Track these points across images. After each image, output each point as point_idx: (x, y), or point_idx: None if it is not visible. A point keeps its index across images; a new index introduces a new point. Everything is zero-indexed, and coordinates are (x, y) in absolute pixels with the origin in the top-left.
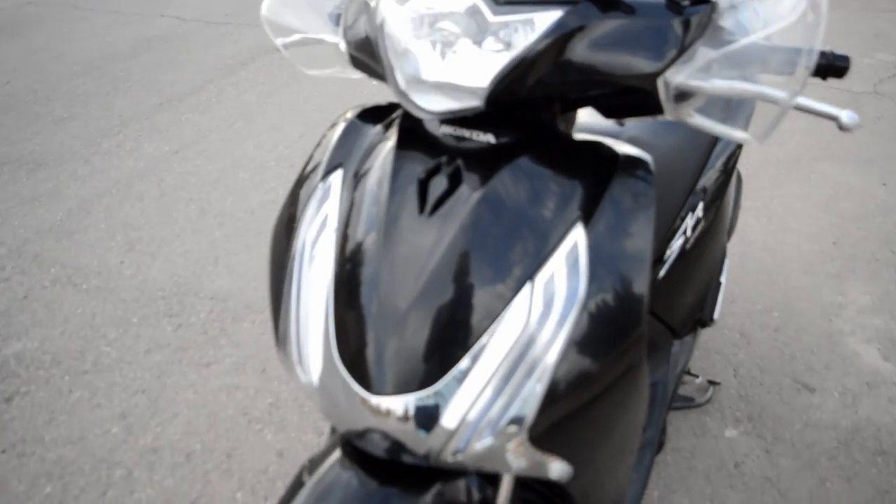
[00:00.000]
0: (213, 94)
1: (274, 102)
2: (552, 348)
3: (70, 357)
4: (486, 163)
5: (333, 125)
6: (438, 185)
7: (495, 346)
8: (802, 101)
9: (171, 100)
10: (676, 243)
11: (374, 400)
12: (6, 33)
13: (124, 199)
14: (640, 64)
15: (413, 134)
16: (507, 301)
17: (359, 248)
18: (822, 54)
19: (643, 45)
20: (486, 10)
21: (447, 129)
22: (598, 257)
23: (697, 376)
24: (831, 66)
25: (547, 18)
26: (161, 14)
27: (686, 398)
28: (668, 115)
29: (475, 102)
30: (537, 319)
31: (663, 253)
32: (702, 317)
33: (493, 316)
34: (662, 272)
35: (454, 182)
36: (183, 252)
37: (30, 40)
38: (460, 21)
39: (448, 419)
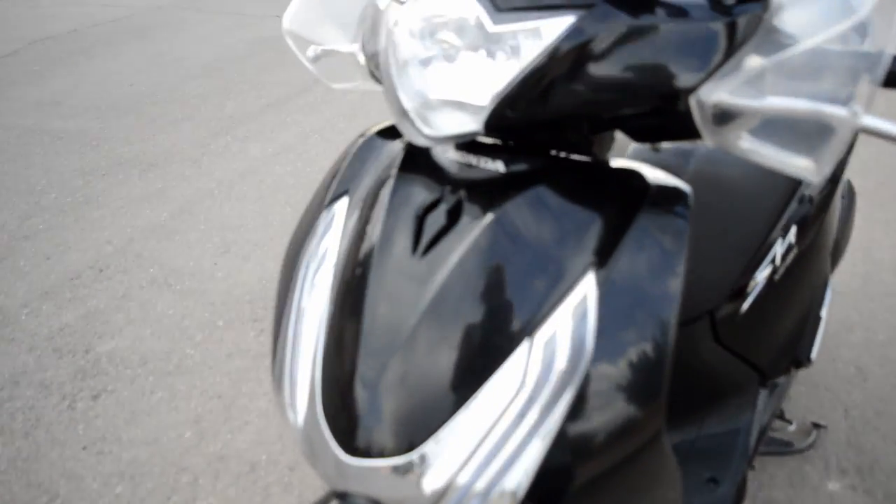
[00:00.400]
0: (319, 94)
1: (377, 102)
2: (550, 417)
3: (157, 358)
4: (491, 196)
5: (353, 142)
6: (435, 221)
7: (484, 412)
8: (869, 120)
9: (278, 101)
10: (762, 274)
11: (352, 462)
12: (134, 37)
13: (225, 200)
14: (668, 79)
15: (418, 160)
16: (500, 361)
17: (351, 289)
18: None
19: (672, 56)
20: (485, 19)
21: (455, 156)
22: (612, 312)
23: (791, 422)
24: None
25: (556, 26)
26: (277, 14)
27: (783, 443)
28: (707, 140)
29: (474, 126)
30: (535, 383)
31: (746, 284)
32: (797, 356)
33: (483, 377)
34: (745, 306)
35: (453, 218)
36: (274, 255)
37: (155, 43)
38: (462, 31)
39: (430, 486)
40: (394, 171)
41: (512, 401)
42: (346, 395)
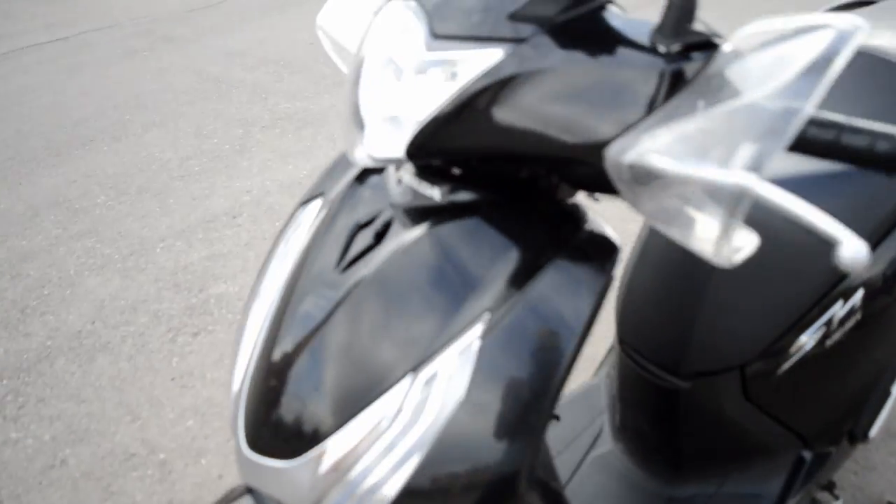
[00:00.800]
0: None
1: None
2: (415, 455)
3: None
4: (417, 223)
5: None
6: (363, 239)
7: (364, 433)
8: (764, 188)
9: None
10: (810, 336)
11: (251, 456)
12: None
13: None
14: (586, 128)
15: (371, 174)
16: (384, 389)
17: (289, 289)
18: (818, 124)
19: (593, 104)
20: (420, 43)
21: (403, 177)
22: (492, 362)
23: (838, 497)
24: (836, 146)
25: (484, 59)
26: None
27: None
28: (625, 199)
29: (397, 152)
30: (408, 419)
31: (789, 345)
32: (852, 430)
33: (367, 401)
34: (785, 367)
35: (379, 239)
36: None
37: None
38: (406, 53)
39: (312, 491)
40: (347, 182)
41: (388, 428)
42: (258, 393)
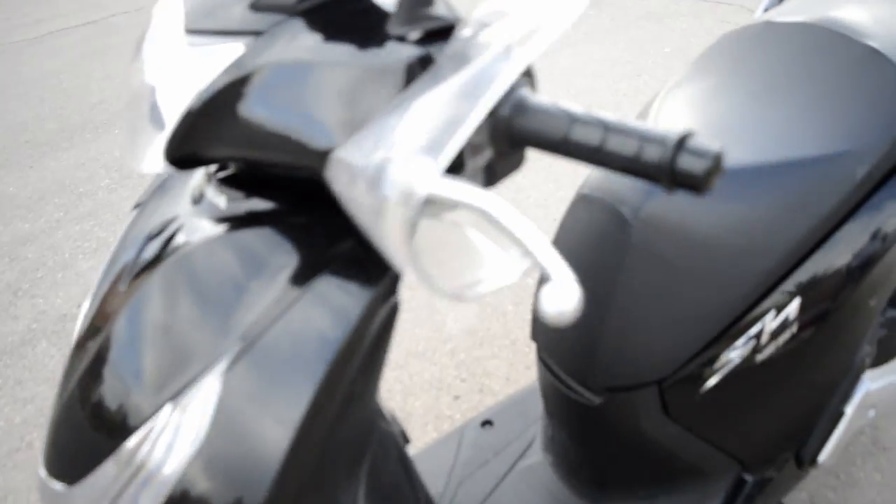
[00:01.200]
0: None
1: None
2: (160, 497)
3: None
4: (197, 233)
5: None
6: (151, 249)
7: (115, 474)
8: (443, 187)
9: None
10: (738, 351)
11: (43, 477)
12: None
13: None
14: (310, 133)
15: (171, 182)
16: (144, 418)
17: (93, 304)
18: (583, 123)
19: (324, 102)
20: (180, 40)
21: (202, 184)
22: (240, 388)
23: None
24: (601, 151)
25: (227, 54)
26: None
27: None
28: (354, 218)
29: (160, 159)
30: (162, 453)
31: (712, 360)
32: (799, 454)
33: (124, 434)
34: (710, 384)
35: (164, 249)
36: None
37: None
38: (169, 51)
39: None
40: (155, 186)
41: (136, 471)
42: (53, 411)
